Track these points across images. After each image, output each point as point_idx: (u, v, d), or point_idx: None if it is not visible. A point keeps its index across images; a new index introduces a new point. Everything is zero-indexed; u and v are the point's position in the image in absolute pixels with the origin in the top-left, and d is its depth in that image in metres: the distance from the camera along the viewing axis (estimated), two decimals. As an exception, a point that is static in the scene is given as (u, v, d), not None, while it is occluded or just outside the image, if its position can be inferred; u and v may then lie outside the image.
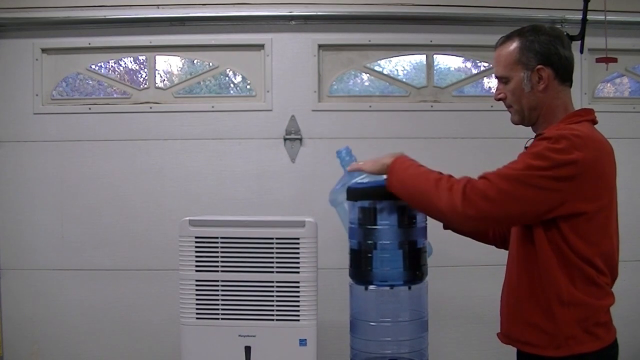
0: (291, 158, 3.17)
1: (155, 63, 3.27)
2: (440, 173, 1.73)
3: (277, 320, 2.30)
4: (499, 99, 1.82)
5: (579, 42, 3.09)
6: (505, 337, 1.83)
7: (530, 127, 1.83)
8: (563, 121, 1.71)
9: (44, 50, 3.18)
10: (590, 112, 1.76)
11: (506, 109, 1.84)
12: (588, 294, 1.63)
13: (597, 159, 1.62)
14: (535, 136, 1.80)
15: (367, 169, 1.94)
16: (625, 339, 1.70)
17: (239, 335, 2.31)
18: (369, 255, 2.13)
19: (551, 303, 1.63)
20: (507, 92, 1.77)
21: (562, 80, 1.73)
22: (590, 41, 3.05)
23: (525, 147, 1.82)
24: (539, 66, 1.70)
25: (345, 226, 2.18)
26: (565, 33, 3.08)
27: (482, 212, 1.59)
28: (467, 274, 3.13)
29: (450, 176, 1.71)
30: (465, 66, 3.44)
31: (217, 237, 2.32)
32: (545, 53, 1.71)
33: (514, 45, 1.74)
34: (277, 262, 2.30)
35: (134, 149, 3.18)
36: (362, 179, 2.11)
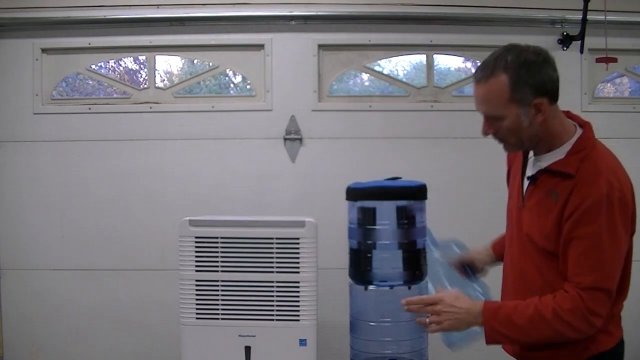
0: (291, 158, 3.17)
1: (155, 63, 3.27)
2: (538, 306, 1.55)
3: (277, 320, 2.30)
4: (488, 134, 1.64)
5: (579, 42, 3.09)
6: (520, 356, 1.75)
7: None
8: (579, 149, 1.59)
9: (44, 50, 3.19)
10: (590, 126, 1.68)
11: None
12: (611, 308, 1.62)
13: (629, 180, 1.60)
14: (543, 169, 1.65)
15: (448, 328, 1.68)
16: (627, 339, 1.70)
17: (239, 335, 2.31)
18: (369, 255, 2.13)
19: None
20: (500, 130, 1.62)
21: (554, 101, 1.63)
22: (590, 41, 3.06)
23: (531, 178, 1.68)
24: (537, 100, 1.57)
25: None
26: (565, 33, 3.14)
27: (606, 315, 1.56)
28: (467, 274, 3.13)
29: (553, 303, 1.54)
30: (465, 66, 3.44)
31: (217, 237, 2.33)
32: (540, 84, 1.57)
33: (502, 82, 1.56)
34: (277, 262, 2.30)
35: (134, 149, 3.18)
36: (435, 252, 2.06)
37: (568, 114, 1.67)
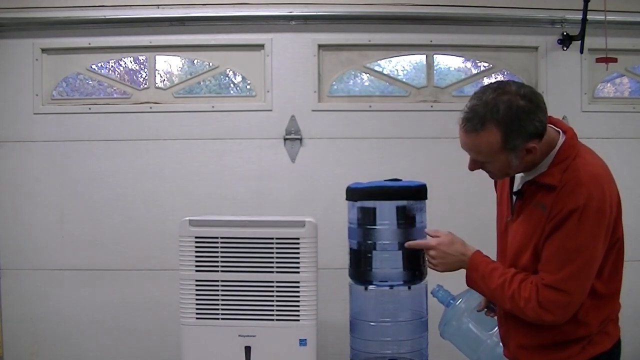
0: (291, 158, 3.17)
1: (155, 63, 3.27)
2: (506, 280, 1.63)
3: (277, 320, 2.31)
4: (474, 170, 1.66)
5: (579, 42, 3.10)
6: (516, 358, 1.77)
7: None
8: (561, 159, 1.59)
9: (44, 50, 3.18)
10: (572, 132, 1.64)
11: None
12: (611, 313, 1.65)
13: (613, 187, 1.60)
14: (529, 180, 1.65)
15: (442, 270, 1.80)
16: (626, 338, 1.71)
17: (239, 335, 2.31)
18: (369, 255, 2.13)
19: (577, 338, 1.62)
20: (489, 169, 1.65)
21: (543, 136, 1.58)
22: (590, 41, 3.06)
23: (518, 193, 1.68)
24: (529, 145, 1.55)
25: (463, 350, 2.08)
26: (565, 33, 3.14)
27: (565, 317, 1.58)
28: (467, 274, 3.13)
29: (516, 286, 1.61)
30: (465, 66, 3.44)
31: (217, 237, 2.33)
32: (533, 131, 1.54)
33: (493, 134, 1.53)
34: (277, 262, 2.30)
35: (134, 149, 3.18)
36: (458, 303, 2.05)
37: (550, 120, 1.64)
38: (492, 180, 1.90)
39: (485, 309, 1.91)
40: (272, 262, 2.30)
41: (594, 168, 1.59)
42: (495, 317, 1.87)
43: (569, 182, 1.55)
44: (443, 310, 2.08)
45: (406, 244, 1.93)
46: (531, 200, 1.64)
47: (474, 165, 1.66)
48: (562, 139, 1.62)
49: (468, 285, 1.75)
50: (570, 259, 1.55)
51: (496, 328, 1.87)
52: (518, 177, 1.72)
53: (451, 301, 2.05)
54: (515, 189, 1.72)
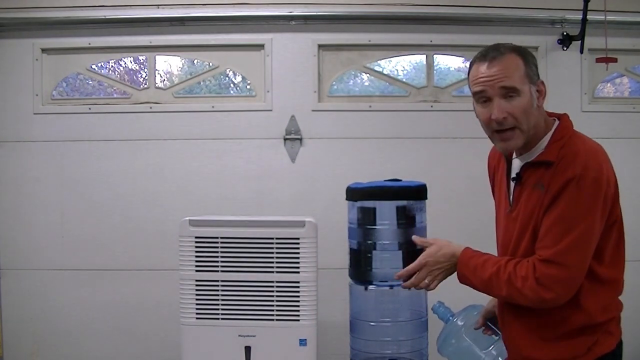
0: (291, 158, 3.17)
1: (155, 63, 3.27)
2: (500, 267, 1.63)
3: (277, 320, 2.31)
4: (504, 118, 1.59)
5: (579, 42, 3.10)
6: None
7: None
8: (558, 138, 1.63)
9: (44, 50, 3.18)
10: (567, 116, 1.70)
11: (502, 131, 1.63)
12: (614, 310, 1.65)
13: (610, 165, 1.61)
14: (525, 163, 1.67)
15: (442, 279, 1.79)
16: (626, 338, 1.71)
17: (239, 335, 2.31)
18: (369, 255, 2.13)
19: (579, 329, 1.62)
20: (516, 110, 1.59)
21: None
22: (590, 41, 3.06)
23: (516, 177, 1.69)
24: (539, 83, 1.64)
25: None
26: (565, 33, 3.15)
27: (566, 294, 1.57)
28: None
29: (511, 269, 1.60)
30: (465, 66, 3.44)
31: (217, 237, 2.33)
32: (536, 69, 1.66)
33: (516, 58, 1.62)
34: (277, 262, 2.30)
35: (134, 149, 3.18)
36: (456, 320, 2.01)
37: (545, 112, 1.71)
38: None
39: (483, 327, 1.91)
40: (272, 262, 2.30)
41: (590, 144, 1.63)
42: (492, 335, 1.87)
43: (565, 156, 1.58)
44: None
45: (397, 275, 1.82)
46: (529, 183, 1.65)
47: (501, 108, 1.59)
48: (557, 122, 1.68)
49: (460, 282, 1.73)
50: (567, 230, 1.54)
51: (492, 345, 1.86)
52: (515, 166, 1.72)
53: (450, 317, 2.04)
54: (513, 175, 1.72)
